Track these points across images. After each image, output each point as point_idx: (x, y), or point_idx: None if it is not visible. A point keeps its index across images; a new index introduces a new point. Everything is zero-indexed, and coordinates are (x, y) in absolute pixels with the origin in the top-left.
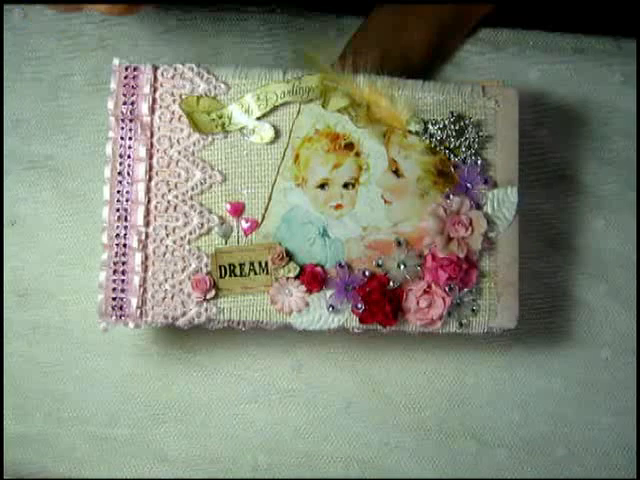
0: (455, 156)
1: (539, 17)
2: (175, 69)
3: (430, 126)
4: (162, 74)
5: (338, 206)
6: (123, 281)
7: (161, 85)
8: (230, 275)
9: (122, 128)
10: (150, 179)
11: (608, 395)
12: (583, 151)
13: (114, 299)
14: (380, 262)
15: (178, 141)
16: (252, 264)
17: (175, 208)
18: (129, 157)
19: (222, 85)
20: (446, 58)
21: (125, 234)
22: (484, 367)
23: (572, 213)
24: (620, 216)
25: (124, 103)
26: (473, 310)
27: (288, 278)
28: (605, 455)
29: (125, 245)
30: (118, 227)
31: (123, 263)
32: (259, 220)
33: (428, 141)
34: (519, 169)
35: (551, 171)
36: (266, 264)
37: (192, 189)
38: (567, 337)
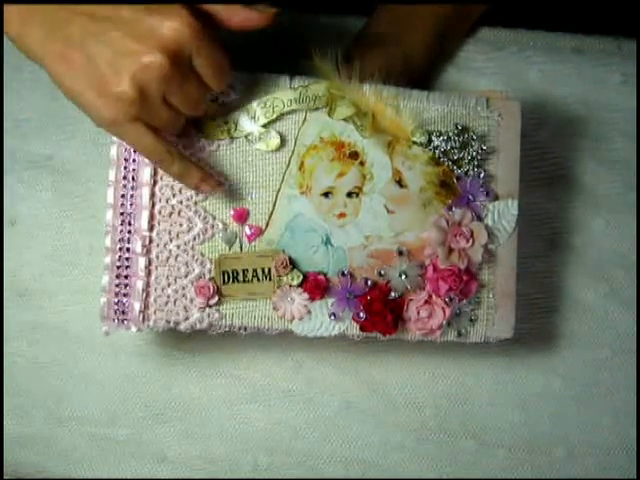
0: (458, 168)
1: (539, 17)
2: None
3: (434, 137)
4: None
5: (342, 215)
6: (126, 285)
7: None
8: (233, 281)
9: None
10: (155, 183)
11: (608, 395)
12: (583, 151)
13: (117, 303)
14: (382, 272)
15: (183, 146)
16: (255, 271)
17: (179, 213)
18: (134, 161)
19: (229, 91)
20: (446, 57)
21: (129, 238)
22: (484, 367)
23: (572, 213)
24: (620, 216)
25: None
26: (471, 320)
27: (291, 286)
28: (605, 455)
29: (128, 249)
30: (122, 231)
31: (126, 267)
32: (263, 227)
33: (432, 152)
34: (519, 169)
35: (551, 171)
36: (269, 271)
37: (196, 194)
38: (567, 337)
